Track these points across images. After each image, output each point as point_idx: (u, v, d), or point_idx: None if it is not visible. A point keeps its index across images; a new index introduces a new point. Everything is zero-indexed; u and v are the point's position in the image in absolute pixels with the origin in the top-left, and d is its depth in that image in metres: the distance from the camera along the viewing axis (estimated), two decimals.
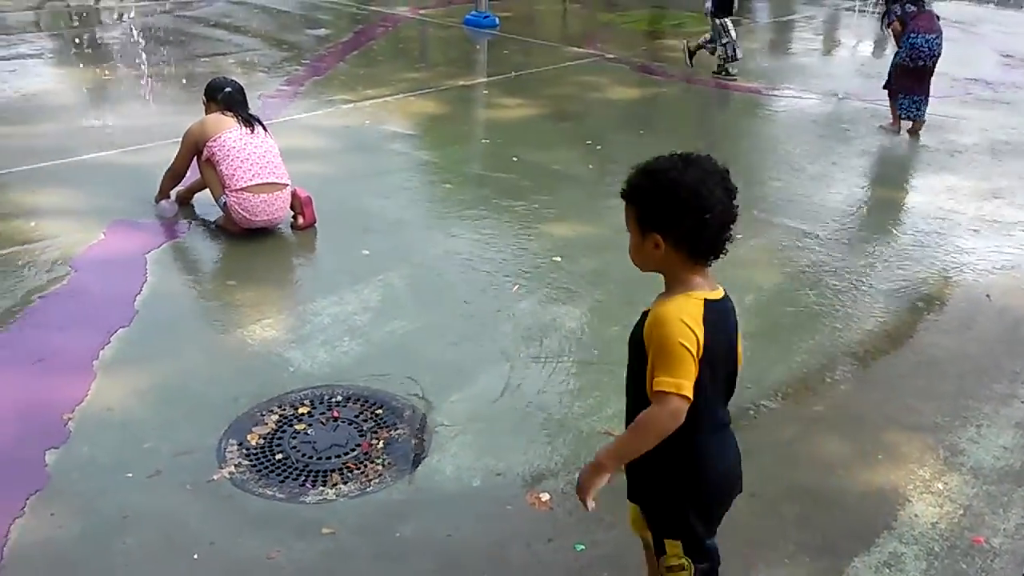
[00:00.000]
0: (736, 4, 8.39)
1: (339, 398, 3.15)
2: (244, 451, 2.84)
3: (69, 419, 2.91)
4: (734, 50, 8.28)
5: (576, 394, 3.25)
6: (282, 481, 2.73)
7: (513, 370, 3.36)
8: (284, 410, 3.07)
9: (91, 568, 2.36)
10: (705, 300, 1.76)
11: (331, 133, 6.18)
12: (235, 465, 2.77)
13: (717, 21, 8.17)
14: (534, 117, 7.03)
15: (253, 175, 4.23)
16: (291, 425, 2.99)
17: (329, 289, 3.93)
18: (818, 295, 4.13)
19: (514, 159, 5.85)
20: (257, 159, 4.27)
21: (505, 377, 3.31)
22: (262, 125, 4.44)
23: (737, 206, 1.77)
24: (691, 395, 1.70)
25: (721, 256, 1.78)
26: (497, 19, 10.33)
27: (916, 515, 2.71)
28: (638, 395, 1.79)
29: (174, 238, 4.34)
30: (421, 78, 7.89)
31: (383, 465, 2.82)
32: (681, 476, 1.84)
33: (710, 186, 1.73)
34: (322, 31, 9.85)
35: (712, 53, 8.41)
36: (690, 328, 1.70)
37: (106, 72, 7.32)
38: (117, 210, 4.55)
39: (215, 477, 2.70)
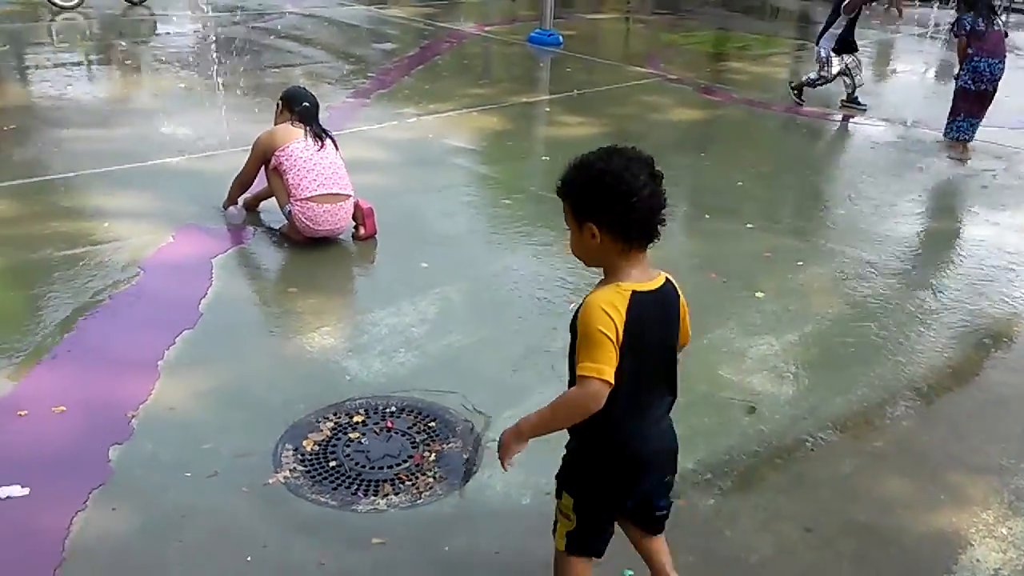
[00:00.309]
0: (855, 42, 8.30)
1: (393, 409, 3.18)
2: (299, 457, 2.89)
3: (133, 417, 3.00)
4: (853, 83, 8.25)
5: None
6: (335, 488, 2.76)
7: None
8: (339, 418, 3.11)
9: (148, 564, 2.42)
10: (633, 291, 1.86)
11: (395, 146, 6.27)
12: (290, 470, 2.82)
13: (835, 58, 8.07)
14: (595, 136, 7.03)
15: (318, 185, 4.31)
16: (346, 433, 3.03)
17: (387, 300, 3.98)
18: (881, 327, 4.04)
19: None
20: (322, 170, 4.35)
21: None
22: (332, 139, 4.53)
23: (664, 191, 1.88)
24: (612, 380, 1.81)
25: (654, 241, 1.89)
26: (561, 37, 10.39)
27: (978, 560, 2.62)
28: (571, 376, 1.91)
29: (240, 244, 4.45)
30: (484, 94, 7.96)
31: (434, 478, 2.84)
32: (593, 449, 1.99)
33: (635, 171, 1.83)
34: (389, 45, 10.01)
35: (812, 86, 8.34)
36: (610, 317, 1.82)
37: (180, 80, 7.55)
38: (186, 214, 4.67)
39: (270, 481, 2.75)
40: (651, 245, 1.90)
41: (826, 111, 8.25)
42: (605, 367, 1.80)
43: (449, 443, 3.01)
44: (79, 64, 8.09)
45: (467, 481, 2.83)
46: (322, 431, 3.03)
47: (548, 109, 7.87)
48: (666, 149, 6.74)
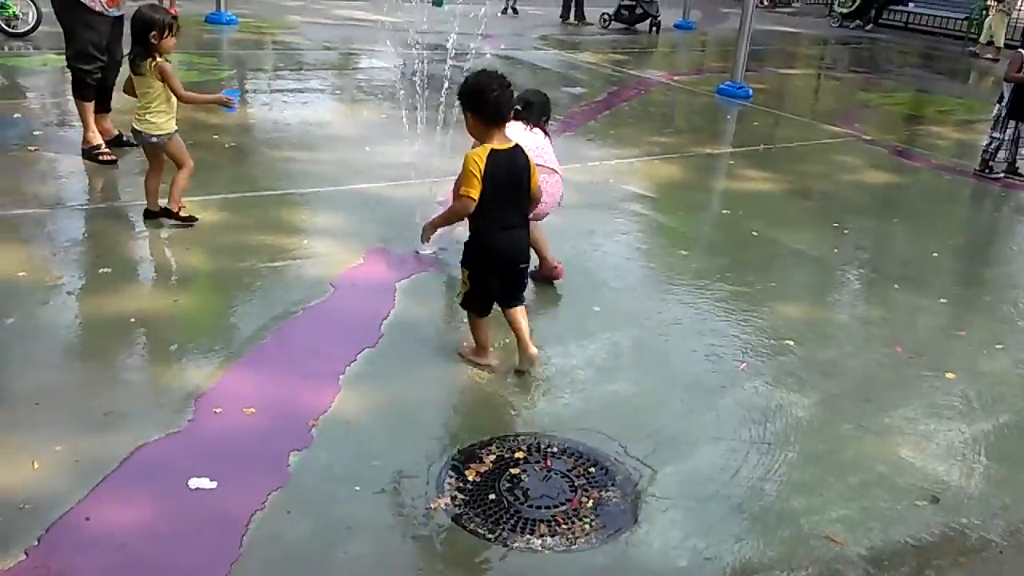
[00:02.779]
0: None
1: (555, 449, 3.20)
2: (461, 484, 2.96)
3: (313, 425, 3.18)
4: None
5: (799, 488, 3.09)
6: (492, 522, 2.81)
7: (733, 451, 3.26)
8: (502, 451, 3.16)
9: (314, 570, 2.54)
10: (491, 149, 3.32)
11: (576, 188, 6.33)
12: (451, 497, 2.89)
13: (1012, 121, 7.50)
14: (779, 192, 6.85)
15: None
16: (507, 467, 3.07)
17: (557, 340, 4.02)
18: None
19: (754, 233, 5.73)
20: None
21: (724, 457, 3.21)
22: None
23: (510, 91, 3.39)
24: (476, 197, 3.31)
25: (505, 120, 3.40)
26: (751, 90, 10.22)
27: None
28: (454, 194, 3.47)
29: (423, 271, 4.64)
30: (668, 142, 7.95)
31: (591, 525, 2.83)
32: (473, 242, 3.52)
33: (488, 83, 3.33)
34: (578, 89, 10.20)
35: (990, 155, 7.75)
36: (476, 162, 3.29)
37: (382, 112, 8.03)
38: (376, 238, 4.94)
39: (432, 506, 2.83)
40: (503, 124, 3.39)
41: None
42: (471, 190, 3.30)
43: (608, 491, 2.99)
44: (293, 91, 8.77)
45: (624, 534, 2.80)
46: (484, 462, 3.09)
47: (732, 162, 7.75)
48: (854, 211, 6.47)
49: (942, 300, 4.91)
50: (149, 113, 4.72)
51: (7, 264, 4.26)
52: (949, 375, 3.99)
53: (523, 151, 3.41)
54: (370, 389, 3.49)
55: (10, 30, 9.84)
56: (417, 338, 3.94)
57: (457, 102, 3.46)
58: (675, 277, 4.94)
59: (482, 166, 3.27)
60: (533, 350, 3.63)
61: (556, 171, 4.56)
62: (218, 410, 3.23)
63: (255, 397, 3.33)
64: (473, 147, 3.41)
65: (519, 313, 3.63)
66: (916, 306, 4.82)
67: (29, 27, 9.87)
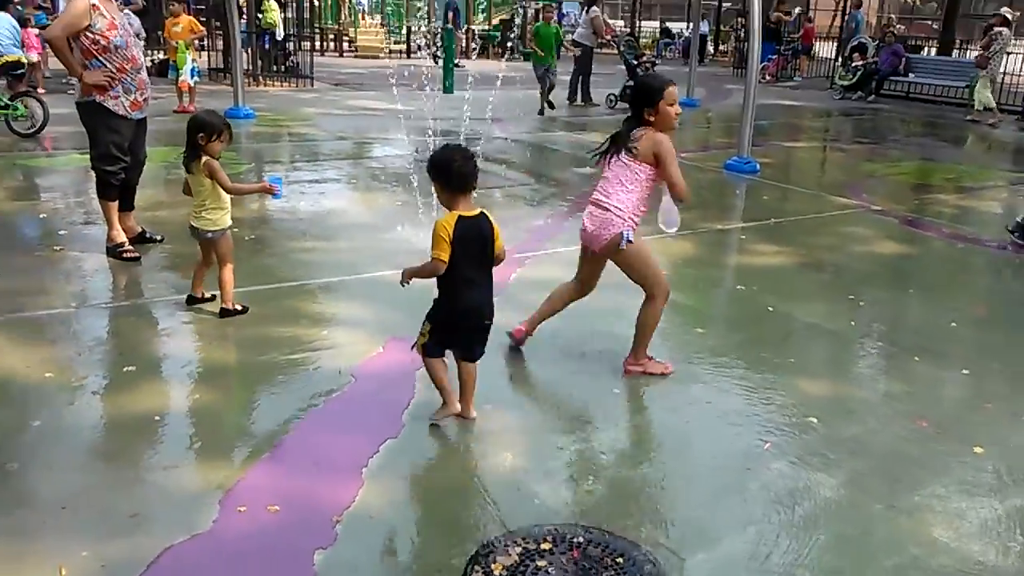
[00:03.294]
0: None
1: (580, 539, 3.17)
2: None
3: (337, 522, 3.17)
4: None
5: (833, 574, 3.03)
6: None
7: (762, 536, 3.21)
8: (527, 543, 3.13)
9: None
10: (459, 216, 3.63)
11: None
12: None
13: None
14: (792, 266, 6.89)
15: None
16: (533, 560, 3.04)
17: (577, 424, 4.02)
18: None
19: (769, 308, 5.75)
20: None
21: (754, 542, 3.17)
22: None
23: (473, 163, 3.68)
24: (446, 259, 3.60)
25: (469, 189, 3.68)
26: (758, 165, 10.37)
27: None
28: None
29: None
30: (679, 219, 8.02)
31: None
32: (443, 300, 3.80)
33: (452, 155, 3.67)
34: (588, 170, 10.38)
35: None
36: (445, 227, 3.59)
37: (396, 199, 8.19)
38: (395, 325, 4.99)
39: None
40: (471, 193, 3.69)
41: None
42: (442, 253, 3.59)
43: None
44: (310, 181, 8.97)
45: None
46: (510, 555, 3.06)
47: (743, 237, 7.82)
48: (868, 282, 6.48)
49: (964, 371, 4.88)
50: (204, 210, 4.93)
51: (34, 365, 4.33)
52: (977, 449, 3.94)
53: (488, 218, 3.72)
54: (393, 481, 3.48)
55: (20, 130, 10.19)
56: (438, 428, 3.94)
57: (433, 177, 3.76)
58: (693, 356, 4.95)
59: (450, 231, 3.60)
60: (473, 413, 3.98)
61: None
62: (242, 508, 3.23)
63: (279, 494, 3.33)
64: (444, 216, 3.76)
65: (473, 369, 3.92)
66: (938, 378, 4.80)
67: (38, 127, 10.22)
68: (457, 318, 3.81)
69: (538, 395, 4.52)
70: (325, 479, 3.47)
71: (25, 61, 12.70)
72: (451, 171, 3.64)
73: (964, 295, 6.50)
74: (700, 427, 4.09)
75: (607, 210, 4.38)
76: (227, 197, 4.99)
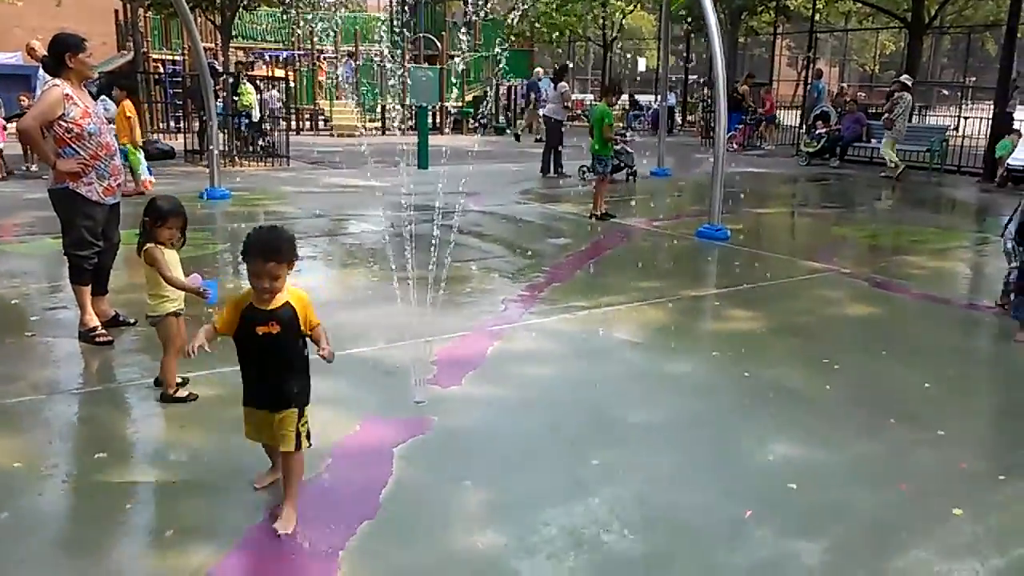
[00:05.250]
0: None
1: None
2: None
3: None
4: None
5: None
6: None
7: None
8: None
9: None
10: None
11: (566, 338, 6.46)
12: None
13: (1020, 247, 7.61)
14: (766, 331, 6.96)
15: None
16: None
17: (557, 498, 3.99)
18: None
19: (745, 374, 5.78)
20: None
21: None
22: None
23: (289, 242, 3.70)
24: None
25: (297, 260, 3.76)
26: (728, 231, 10.55)
27: None
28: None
29: (420, 434, 4.64)
30: (653, 287, 8.13)
31: None
32: (307, 386, 3.84)
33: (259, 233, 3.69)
34: (562, 240, 10.53)
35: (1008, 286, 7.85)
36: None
37: (373, 275, 8.23)
38: (372, 402, 4.96)
39: None
40: None
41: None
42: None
43: None
44: None
45: None
46: None
47: (717, 303, 7.90)
48: (842, 345, 6.55)
49: (940, 432, 4.91)
50: (148, 295, 4.94)
51: (3, 455, 4.25)
52: (956, 511, 3.95)
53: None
54: (371, 564, 3.42)
55: None
56: (416, 506, 3.90)
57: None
58: (671, 423, 4.95)
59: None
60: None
61: None
62: None
63: None
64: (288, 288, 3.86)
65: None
66: (915, 440, 4.82)
67: None
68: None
69: (514, 468, 4.47)
70: (302, 563, 3.42)
71: None
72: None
73: (936, 356, 6.57)
74: (680, 498, 4.07)
75: None
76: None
